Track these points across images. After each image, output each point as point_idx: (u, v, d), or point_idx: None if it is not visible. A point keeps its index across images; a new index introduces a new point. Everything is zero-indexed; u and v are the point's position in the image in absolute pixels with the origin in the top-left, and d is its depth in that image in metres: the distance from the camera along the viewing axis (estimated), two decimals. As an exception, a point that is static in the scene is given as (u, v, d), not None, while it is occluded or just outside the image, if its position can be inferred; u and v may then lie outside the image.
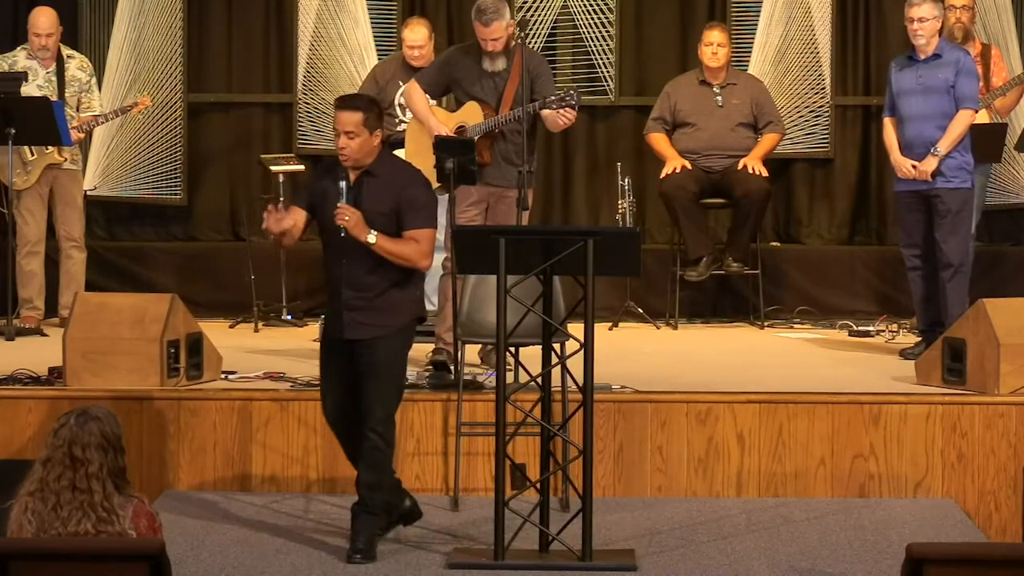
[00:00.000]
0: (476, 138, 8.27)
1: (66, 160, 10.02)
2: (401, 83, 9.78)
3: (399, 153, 9.72)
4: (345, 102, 6.71)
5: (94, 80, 10.24)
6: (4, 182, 9.97)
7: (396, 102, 9.80)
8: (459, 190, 8.20)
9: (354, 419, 6.68)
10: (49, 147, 9.91)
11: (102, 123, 10.29)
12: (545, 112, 8.22)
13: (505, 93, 8.32)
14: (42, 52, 10.00)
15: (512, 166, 8.23)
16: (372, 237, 6.52)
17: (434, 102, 8.76)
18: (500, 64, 8.35)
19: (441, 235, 9.95)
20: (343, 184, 6.58)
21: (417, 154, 8.67)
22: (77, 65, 10.13)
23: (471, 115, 8.38)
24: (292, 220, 6.66)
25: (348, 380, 6.68)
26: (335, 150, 10.42)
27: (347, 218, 6.51)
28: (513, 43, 8.33)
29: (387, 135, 9.84)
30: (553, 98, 8.14)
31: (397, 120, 9.81)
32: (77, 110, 10.08)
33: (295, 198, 6.81)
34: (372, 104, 6.71)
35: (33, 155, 9.97)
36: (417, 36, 9.81)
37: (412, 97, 8.59)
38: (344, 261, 6.61)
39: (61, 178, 10.07)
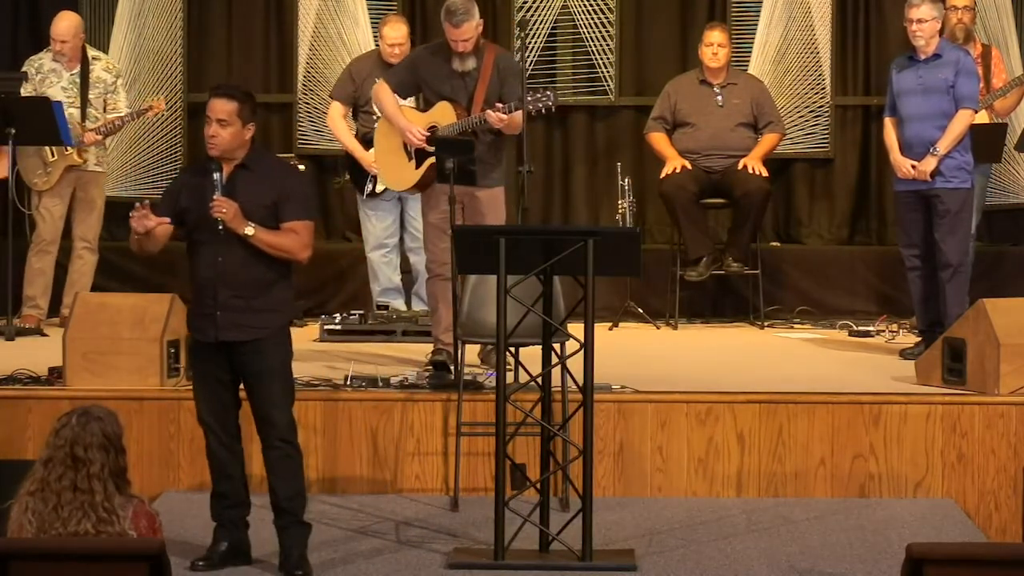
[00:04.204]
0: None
1: (87, 162, 10.00)
2: (378, 80, 9.78)
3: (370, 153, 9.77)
4: (220, 90, 6.52)
5: (120, 81, 10.20)
6: (27, 183, 9.95)
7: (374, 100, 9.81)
8: (433, 188, 8.25)
9: (226, 420, 6.52)
10: (68, 148, 9.90)
11: (120, 126, 10.20)
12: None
13: (476, 93, 8.31)
14: (61, 57, 10.00)
15: (484, 165, 8.23)
16: (250, 229, 6.34)
17: (403, 102, 8.73)
18: (470, 64, 8.34)
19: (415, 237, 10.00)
20: (217, 176, 6.39)
21: (387, 154, 8.65)
22: (103, 67, 10.11)
23: (443, 115, 8.36)
24: (157, 221, 6.44)
25: (221, 383, 6.49)
26: (336, 149, 10.59)
27: (224, 210, 6.34)
28: (482, 42, 8.34)
29: (366, 132, 9.87)
30: (530, 98, 8.14)
31: (375, 118, 9.81)
32: (104, 111, 10.07)
33: (157, 206, 6.54)
34: (248, 97, 6.52)
35: (54, 156, 9.96)
36: (397, 34, 9.82)
37: (381, 97, 8.54)
38: (220, 259, 6.41)
39: (85, 179, 10.05)
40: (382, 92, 8.54)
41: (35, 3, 11.17)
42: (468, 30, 8.24)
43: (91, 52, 10.13)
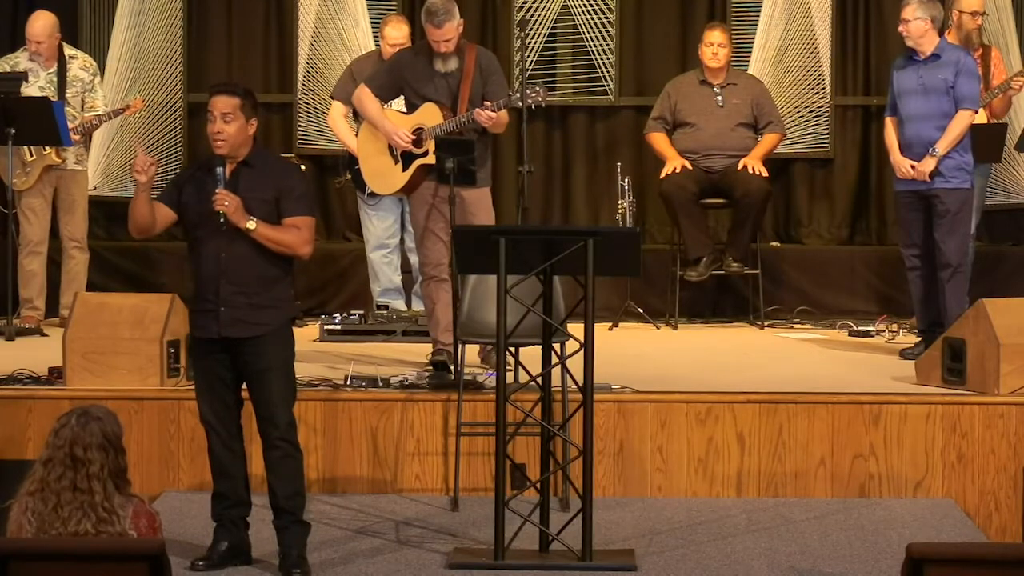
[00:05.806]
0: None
1: (66, 161, 10.01)
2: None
3: None
4: (222, 87, 6.55)
5: (98, 79, 10.21)
6: (6, 183, 9.97)
7: None
8: (419, 191, 8.27)
9: (228, 420, 6.51)
10: (47, 148, 9.91)
11: (98, 125, 10.22)
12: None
13: (460, 93, 8.30)
14: (37, 57, 10.00)
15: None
16: (252, 223, 6.34)
17: (393, 105, 8.70)
18: (452, 64, 8.33)
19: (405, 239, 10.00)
20: (219, 170, 6.40)
21: (370, 158, 8.62)
22: (80, 65, 10.11)
23: (429, 116, 8.34)
24: (155, 170, 6.45)
25: (223, 381, 6.48)
26: (336, 149, 10.59)
27: (227, 203, 6.33)
28: (462, 42, 8.33)
29: None
30: (521, 94, 8.14)
31: None
32: (82, 109, 10.07)
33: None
34: (249, 93, 6.53)
35: (32, 156, 9.96)
36: (399, 33, 9.79)
37: (363, 101, 8.50)
38: (223, 255, 6.40)
39: (65, 178, 10.06)
40: (364, 96, 8.50)
41: (33, 1, 11.15)
42: (450, 30, 8.24)
43: (68, 51, 10.14)
